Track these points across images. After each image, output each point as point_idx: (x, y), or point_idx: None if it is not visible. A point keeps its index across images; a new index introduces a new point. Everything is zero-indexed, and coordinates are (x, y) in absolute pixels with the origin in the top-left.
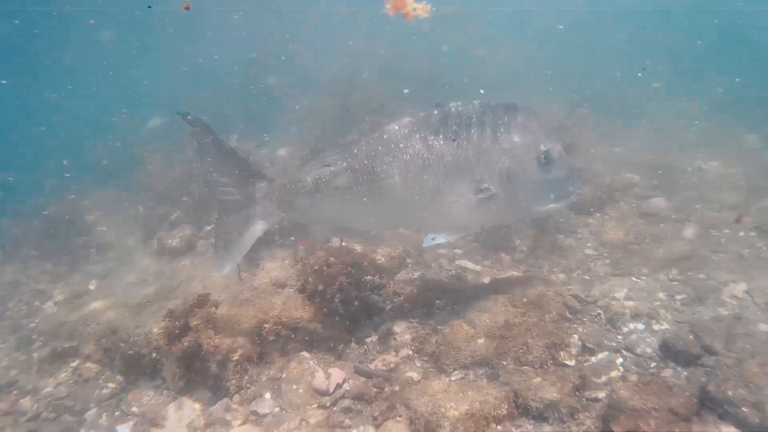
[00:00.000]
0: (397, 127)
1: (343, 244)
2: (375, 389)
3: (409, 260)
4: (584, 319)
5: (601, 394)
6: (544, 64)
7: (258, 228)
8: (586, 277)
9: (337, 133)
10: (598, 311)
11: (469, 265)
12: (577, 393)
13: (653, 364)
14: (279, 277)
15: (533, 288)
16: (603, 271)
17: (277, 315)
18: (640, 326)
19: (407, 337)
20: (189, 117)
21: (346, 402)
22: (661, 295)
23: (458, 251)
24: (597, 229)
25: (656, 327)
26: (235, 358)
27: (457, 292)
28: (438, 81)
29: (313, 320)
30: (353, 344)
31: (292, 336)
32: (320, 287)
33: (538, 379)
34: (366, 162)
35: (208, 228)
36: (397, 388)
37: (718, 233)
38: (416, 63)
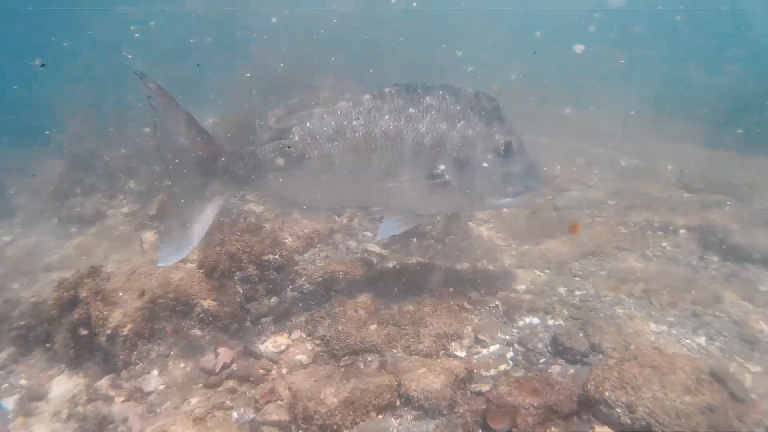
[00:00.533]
0: (352, 104)
1: (252, 220)
2: (262, 371)
3: (318, 240)
4: (482, 310)
5: (485, 388)
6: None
7: (216, 206)
8: (491, 268)
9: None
10: (497, 303)
11: (375, 248)
12: (462, 385)
13: (542, 360)
14: None
15: (434, 277)
16: (509, 262)
17: (173, 290)
18: (536, 321)
19: (302, 318)
20: (147, 80)
21: (231, 383)
22: (561, 290)
23: (368, 233)
24: (509, 221)
25: (551, 322)
26: (125, 332)
27: (358, 276)
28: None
29: (209, 298)
30: (248, 323)
31: (187, 312)
32: (220, 264)
33: (423, 370)
34: (320, 139)
35: (122, 197)
36: (284, 370)
37: (626, 230)
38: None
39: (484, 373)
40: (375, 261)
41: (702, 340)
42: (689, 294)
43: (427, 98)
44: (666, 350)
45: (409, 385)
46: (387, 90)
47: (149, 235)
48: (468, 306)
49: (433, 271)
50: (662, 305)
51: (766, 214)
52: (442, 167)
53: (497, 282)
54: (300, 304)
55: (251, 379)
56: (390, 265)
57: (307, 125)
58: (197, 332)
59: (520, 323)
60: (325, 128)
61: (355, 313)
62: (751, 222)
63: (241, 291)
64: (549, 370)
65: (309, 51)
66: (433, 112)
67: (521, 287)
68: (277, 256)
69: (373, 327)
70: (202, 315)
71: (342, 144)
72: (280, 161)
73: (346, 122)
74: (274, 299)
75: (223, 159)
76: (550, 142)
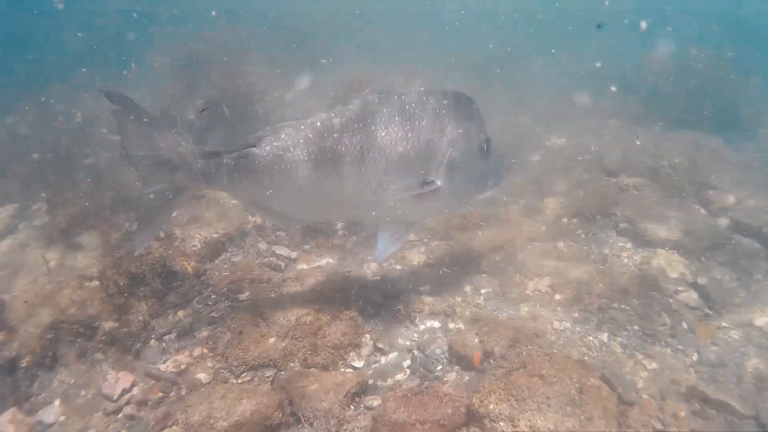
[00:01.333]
0: (333, 115)
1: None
2: (161, 394)
3: (229, 244)
4: (385, 314)
5: (377, 402)
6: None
7: (177, 197)
8: (398, 267)
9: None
10: (399, 306)
11: (284, 251)
12: (356, 399)
13: (439, 367)
14: (86, 268)
15: (337, 282)
16: (417, 260)
17: (74, 314)
18: (436, 324)
19: (204, 333)
20: (110, 92)
21: (130, 409)
22: (467, 288)
23: (281, 233)
24: None
25: (451, 325)
26: (24, 363)
27: (264, 284)
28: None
29: (111, 318)
30: (153, 342)
31: (91, 336)
32: (122, 281)
33: (315, 386)
34: (294, 150)
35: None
36: (183, 392)
37: (541, 219)
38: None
39: (380, 383)
40: (284, 265)
41: (605, 336)
42: (596, 287)
43: (412, 104)
44: (557, 356)
45: (300, 403)
46: (370, 98)
47: (53, 255)
48: (370, 311)
49: (335, 277)
50: (568, 300)
51: (675, 197)
52: (434, 172)
53: (402, 283)
54: (204, 318)
55: (149, 403)
56: (301, 266)
57: (282, 135)
58: (99, 356)
59: (421, 327)
60: (301, 140)
61: (256, 326)
62: (662, 206)
63: (145, 308)
64: (444, 379)
65: (233, 38)
66: (421, 118)
67: (426, 287)
68: (185, 266)
69: (272, 340)
70: (104, 337)
71: (322, 156)
72: (242, 166)
73: (326, 134)
74: (180, 313)
75: (186, 155)
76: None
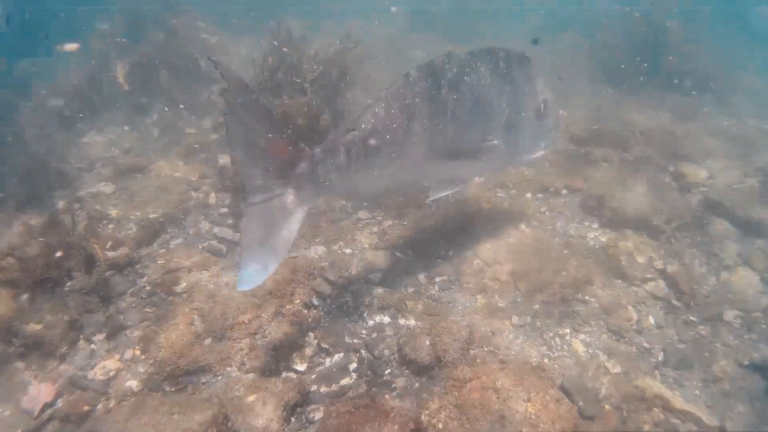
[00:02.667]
0: (411, 80)
1: (96, 207)
2: (87, 407)
3: (168, 224)
4: (332, 306)
5: (319, 414)
6: None
7: (302, 215)
8: (348, 251)
9: None
10: (347, 298)
11: (227, 233)
12: (297, 411)
13: (388, 371)
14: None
15: (281, 270)
16: (368, 242)
17: None
18: (386, 320)
19: (137, 333)
20: (225, 70)
21: (53, 426)
22: (421, 276)
23: (225, 209)
24: None
25: (402, 321)
26: None
27: (203, 272)
28: None
29: (33, 320)
30: (81, 343)
31: (10, 341)
32: (43, 275)
33: (253, 397)
34: (387, 122)
35: None
36: (111, 403)
37: (503, 194)
38: None
39: (324, 389)
40: (225, 249)
41: (567, 332)
42: (560, 276)
43: (477, 65)
44: (514, 363)
45: (236, 418)
46: (438, 60)
47: None
48: (316, 302)
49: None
50: (529, 291)
51: (646, 171)
52: (493, 131)
53: (351, 269)
54: (137, 314)
55: (73, 418)
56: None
57: (375, 112)
58: (19, 364)
59: (371, 323)
60: (392, 112)
61: (191, 324)
62: (632, 182)
63: (71, 305)
64: (393, 385)
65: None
66: (485, 79)
67: (377, 275)
68: (116, 253)
69: (208, 341)
70: (25, 342)
71: (406, 125)
72: (352, 155)
73: (408, 102)
74: (111, 308)
75: (304, 164)
76: None
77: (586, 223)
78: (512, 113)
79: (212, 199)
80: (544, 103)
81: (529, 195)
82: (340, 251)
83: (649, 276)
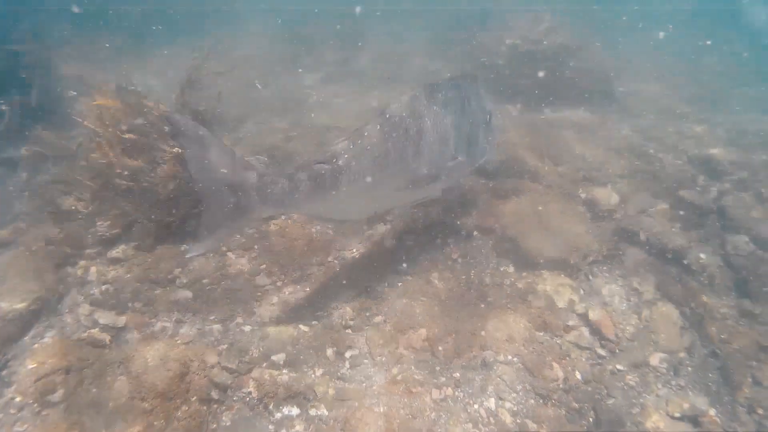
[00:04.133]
0: (384, 118)
1: None
2: None
3: (43, 310)
4: (234, 399)
5: None
6: None
7: (245, 217)
8: (247, 328)
9: None
10: (249, 388)
11: (109, 318)
12: None
13: None
14: None
15: (168, 366)
16: (269, 314)
17: None
18: (295, 411)
19: None
20: (175, 119)
21: None
22: (330, 353)
23: (108, 286)
24: (278, 245)
25: (313, 412)
26: None
27: (84, 370)
28: None
29: None
30: None
31: None
32: None
33: None
34: (357, 158)
35: None
36: None
37: (413, 242)
38: None
39: None
40: (109, 339)
41: (492, 402)
42: (478, 336)
43: (440, 95)
44: None
45: None
46: (408, 97)
47: None
48: (215, 396)
49: (174, 350)
50: (447, 356)
51: (557, 201)
52: (457, 147)
53: (252, 349)
54: None
55: None
56: (128, 338)
57: (346, 146)
58: None
59: (278, 415)
60: (366, 148)
61: None
62: (545, 216)
63: None
64: None
65: None
66: (448, 106)
67: (280, 357)
68: None
69: None
70: None
71: (376, 159)
72: (315, 185)
73: (382, 137)
74: None
75: (253, 180)
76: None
77: (502, 268)
78: (470, 129)
79: (92, 274)
80: (489, 114)
81: (439, 240)
82: (238, 329)
83: (571, 323)
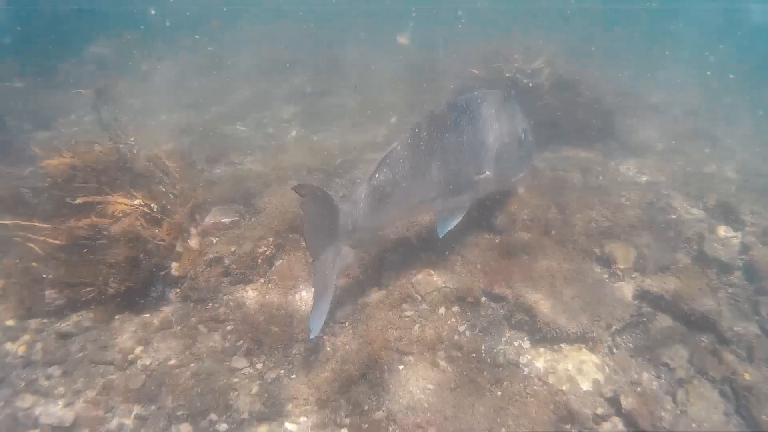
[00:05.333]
0: (417, 131)
1: None
2: None
3: None
4: None
5: None
6: None
7: (344, 261)
8: (222, 427)
9: None
10: None
11: (53, 414)
12: None
13: None
14: None
15: None
16: (248, 408)
17: None
18: None
19: None
20: (303, 189)
21: None
22: None
23: (55, 368)
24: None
25: None
26: None
27: None
28: None
29: None
30: None
31: None
32: None
33: None
34: (397, 172)
35: None
36: None
37: (412, 312)
38: None
39: None
40: None
41: None
42: None
43: (472, 111)
44: None
45: None
46: (439, 110)
47: None
48: None
49: None
50: None
51: (572, 260)
52: (485, 163)
53: None
54: None
55: None
56: None
57: (387, 162)
58: None
59: None
60: (400, 161)
61: None
62: (560, 280)
63: None
64: None
65: None
66: (477, 121)
67: None
68: None
69: None
70: None
71: (414, 170)
72: (375, 201)
73: (415, 152)
74: None
75: (342, 222)
76: None
77: (516, 343)
78: (501, 145)
79: (38, 352)
80: (524, 132)
81: (443, 310)
82: (211, 429)
83: (600, 411)
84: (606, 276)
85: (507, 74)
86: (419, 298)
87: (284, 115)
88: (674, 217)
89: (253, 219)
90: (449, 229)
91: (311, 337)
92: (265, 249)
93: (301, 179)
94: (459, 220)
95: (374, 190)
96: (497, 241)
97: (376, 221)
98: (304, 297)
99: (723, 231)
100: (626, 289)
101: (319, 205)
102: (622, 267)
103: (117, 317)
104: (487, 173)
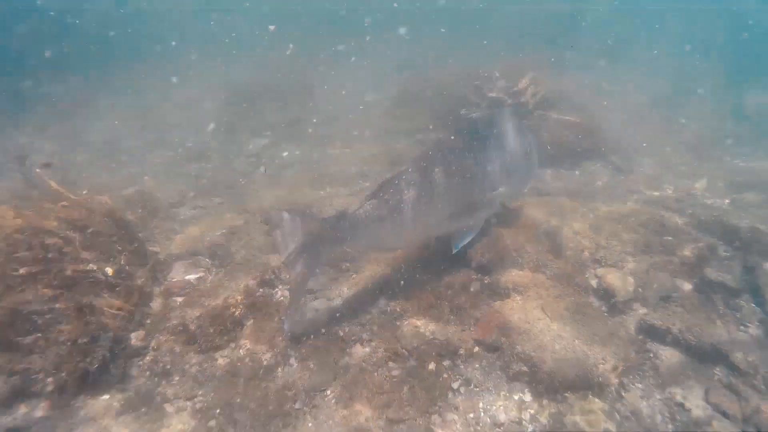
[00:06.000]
0: (429, 154)
1: None
2: None
3: None
4: None
5: None
6: None
7: (317, 264)
8: None
9: None
10: None
11: None
12: None
13: None
14: None
15: None
16: None
17: None
18: None
19: None
20: (275, 216)
21: None
22: None
23: None
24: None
25: None
26: None
27: None
28: None
29: None
30: None
31: None
32: None
33: None
34: (404, 196)
35: None
36: None
37: (399, 370)
38: None
39: None
40: None
41: None
42: None
43: (480, 129)
44: None
45: None
46: (449, 135)
47: None
48: None
49: None
50: None
51: (566, 294)
52: (497, 179)
53: None
54: None
55: None
56: None
57: (395, 182)
58: None
59: None
60: (405, 187)
61: None
62: (557, 321)
63: None
64: None
65: None
66: (486, 142)
67: None
68: None
69: None
70: None
71: (424, 192)
72: (368, 221)
73: (424, 174)
74: None
75: (320, 233)
76: None
77: (516, 396)
78: (511, 161)
79: None
80: (530, 146)
81: (432, 366)
82: None
83: None
84: (605, 309)
85: (491, 95)
86: (406, 353)
87: (251, 148)
88: (671, 238)
89: (221, 272)
90: (464, 243)
91: (284, 329)
92: (234, 310)
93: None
94: (474, 235)
95: (372, 208)
96: (486, 281)
97: (371, 236)
98: (279, 361)
99: (723, 251)
100: (628, 324)
101: (295, 218)
102: (621, 299)
103: (73, 403)
104: (501, 189)
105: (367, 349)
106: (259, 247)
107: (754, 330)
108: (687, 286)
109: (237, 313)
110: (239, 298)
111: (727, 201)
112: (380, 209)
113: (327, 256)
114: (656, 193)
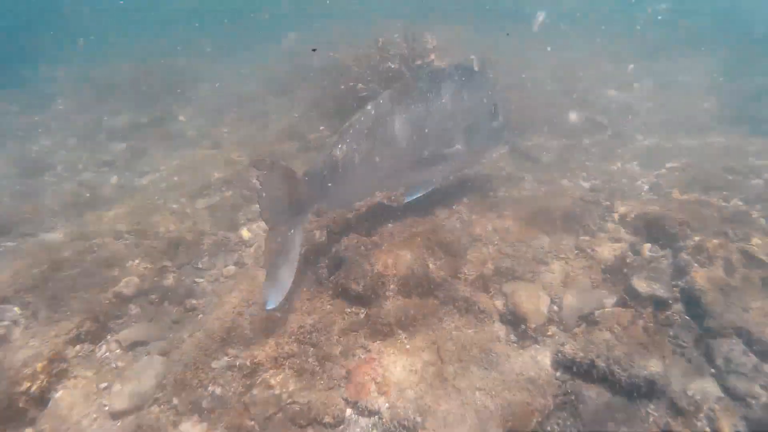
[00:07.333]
0: (381, 102)
1: None
2: None
3: None
4: None
5: None
6: None
7: (301, 233)
8: None
9: None
10: None
11: None
12: None
13: None
14: None
15: None
16: None
17: None
18: None
19: None
20: (261, 164)
21: None
22: None
23: None
24: None
25: None
26: None
27: None
28: None
29: None
30: None
31: None
32: None
33: None
34: (361, 144)
35: None
36: None
37: None
38: None
39: None
40: None
41: None
42: None
43: (439, 80)
44: None
45: None
46: (409, 80)
47: None
48: None
49: None
50: None
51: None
52: (456, 137)
53: None
54: None
55: None
56: None
57: (350, 132)
58: None
59: None
60: (363, 132)
61: None
62: (456, 364)
63: None
64: None
65: None
66: (445, 93)
67: None
68: None
69: None
70: None
71: (382, 142)
72: (337, 172)
73: (379, 122)
74: None
75: (304, 194)
76: None
77: None
78: (472, 120)
79: None
80: (494, 106)
81: None
82: None
83: None
84: (514, 339)
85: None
86: (257, 428)
87: (105, 156)
88: (587, 239)
89: (31, 327)
90: (416, 197)
91: (268, 308)
92: (30, 384)
93: (113, 258)
94: (428, 191)
95: (335, 161)
96: (362, 316)
97: (339, 192)
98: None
99: (648, 251)
100: (542, 359)
101: (277, 176)
102: (533, 325)
103: None
104: (458, 147)
105: (205, 425)
106: (86, 283)
107: (690, 352)
108: (609, 299)
109: (34, 388)
110: (42, 364)
111: (646, 187)
112: (354, 153)
113: (311, 210)
114: (565, 183)
